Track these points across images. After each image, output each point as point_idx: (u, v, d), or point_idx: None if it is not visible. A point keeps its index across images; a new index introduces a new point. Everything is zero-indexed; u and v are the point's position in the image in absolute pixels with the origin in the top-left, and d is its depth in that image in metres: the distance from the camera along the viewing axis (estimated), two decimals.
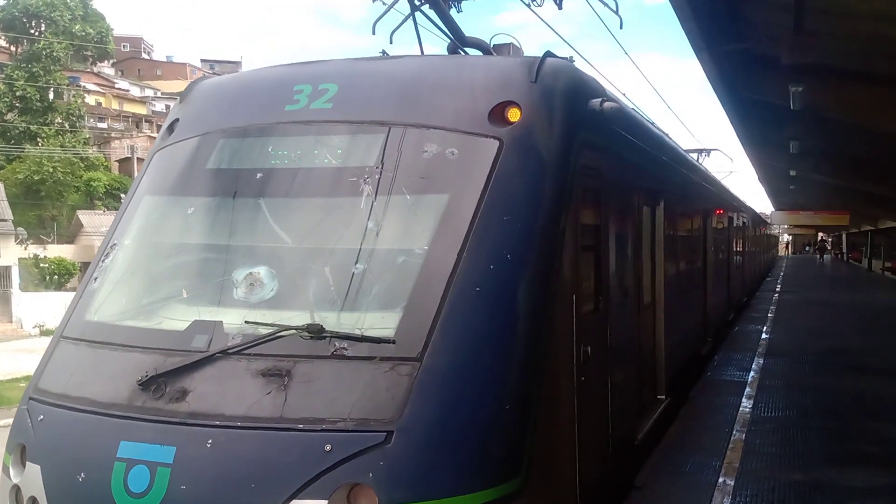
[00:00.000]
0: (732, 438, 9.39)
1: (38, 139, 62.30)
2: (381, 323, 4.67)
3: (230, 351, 4.70)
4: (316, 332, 4.62)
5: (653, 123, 10.87)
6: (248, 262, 5.22)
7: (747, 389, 12.26)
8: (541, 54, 5.71)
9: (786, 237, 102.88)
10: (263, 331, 4.72)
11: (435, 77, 5.76)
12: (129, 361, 4.93)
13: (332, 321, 4.71)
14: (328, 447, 4.23)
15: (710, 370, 14.05)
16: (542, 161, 5.31)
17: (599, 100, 6.11)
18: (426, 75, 5.81)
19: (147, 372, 4.73)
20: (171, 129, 6.28)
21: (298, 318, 4.77)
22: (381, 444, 4.23)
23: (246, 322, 4.82)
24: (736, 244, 22.47)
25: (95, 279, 5.75)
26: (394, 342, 4.55)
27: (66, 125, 65.47)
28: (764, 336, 18.70)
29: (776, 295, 31.70)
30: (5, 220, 46.93)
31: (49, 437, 4.95)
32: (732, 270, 20.96)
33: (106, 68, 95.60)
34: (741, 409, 10.94)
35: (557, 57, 5.93)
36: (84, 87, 77.28)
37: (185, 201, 5.81)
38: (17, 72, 62.43)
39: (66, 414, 4.94)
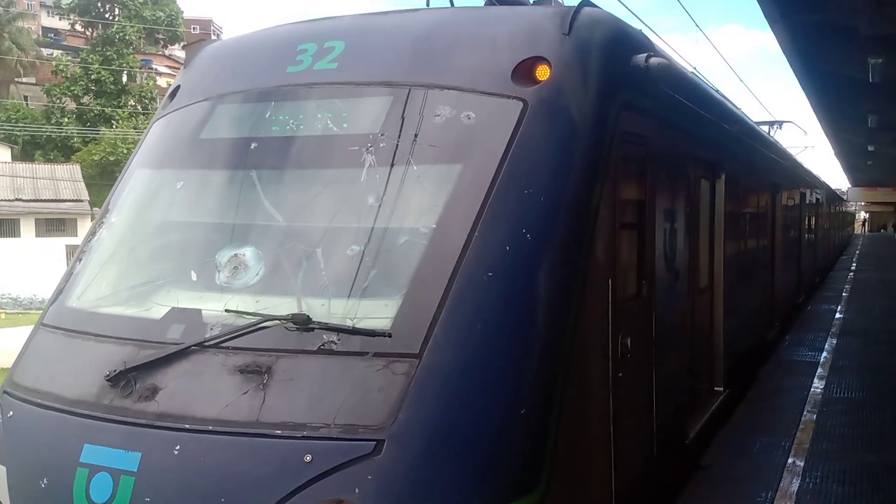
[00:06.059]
0: (803, 419, 9.19)
1: (113, 121, 64.23)
2: (376, 313, 4.11)
3: (207, 343, 4.18)
4: (301, 322, 4.08)
5: (717, 91, 10.40)
6: (234, 242, 4.69)
7: (819, 370, 11.97)
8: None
9: (863, 214, 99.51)
10: (243, 321, 4.21)
11: (453, 31, 5.13)
12: (101, 353, 4.44)
13: (322, 310, 4.17)
14: (308, 458, 3.70)
15: (781, 350, 13.75)
16: (573, 125, 4.66)
17: (645, 55, 5.28)
18: (443, 29, 5.18)
19: (116, 367, 4.24)
20: (172, 96, 5.82)
21: (285, 306, 4.25)
22: (370, 454, 3.68)
23: (226, 311, 4.30)
24: (808, 222, 21.73)
25: (80, 261, 5.24)
26: (390, 335, 3.99)
27: (139, 107, 67.34)
28: (837, 316, 18.17)
29: (851, 274, 30.73)
30: (82, 201, 48.68)
31: (16, 437, 4.48)
32: (803, 250, 20.19)
33: (177, 51, 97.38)
34: (812, 389, 10.68)
35: (595, 6, 5.27)
36: (156, 69, 79.13)
37: (175, 174, 5.32)
38: (91, 56, 64.39)
39: (34, 411, 4.46)
